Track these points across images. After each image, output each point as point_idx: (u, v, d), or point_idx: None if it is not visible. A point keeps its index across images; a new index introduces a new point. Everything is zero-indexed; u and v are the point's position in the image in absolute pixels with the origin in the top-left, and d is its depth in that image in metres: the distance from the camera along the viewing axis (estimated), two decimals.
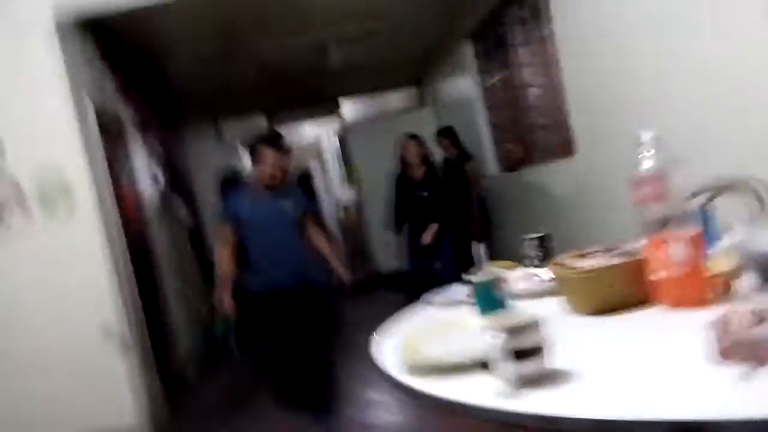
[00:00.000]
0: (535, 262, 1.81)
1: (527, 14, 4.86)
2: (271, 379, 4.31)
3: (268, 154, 3.18)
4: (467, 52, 6.14)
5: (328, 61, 6.58)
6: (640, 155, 1.59)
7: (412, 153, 4.98)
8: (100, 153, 3.67)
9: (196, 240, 6.29)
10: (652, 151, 1.58)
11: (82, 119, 3.50)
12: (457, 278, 1.79)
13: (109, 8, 3.84)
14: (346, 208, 9.50)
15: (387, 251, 7.72)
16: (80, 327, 3.40)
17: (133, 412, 3.45)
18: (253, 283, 3.32)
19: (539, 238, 1.82)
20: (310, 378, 3.70)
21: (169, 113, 6.52)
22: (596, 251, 1.48)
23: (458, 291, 1.80)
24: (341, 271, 3.52)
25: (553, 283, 1.53)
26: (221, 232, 3.34)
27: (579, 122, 4.15)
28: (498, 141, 6.09)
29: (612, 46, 3.53)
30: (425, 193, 4.96)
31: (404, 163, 5.04)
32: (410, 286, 5.16)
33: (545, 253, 1.81)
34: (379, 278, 7.82)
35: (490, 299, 1.43)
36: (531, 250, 1.82)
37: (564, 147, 4.67)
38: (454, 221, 5.05)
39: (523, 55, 5.14)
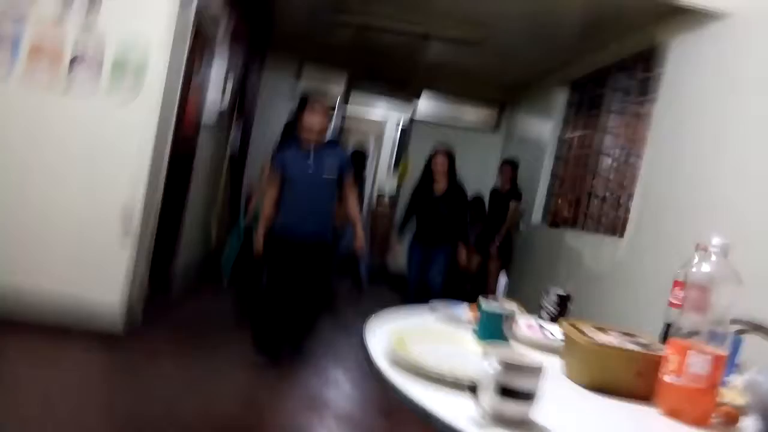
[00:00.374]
0: (549, 316, 1.76)
1: (634, 86, 4.76)
2: (247, 316, 4.35)
3: (312, 105, 3.45)
4: (560, 97, 6.05)
5: (424, 52, 6.56)
6: (698, 258, 1.53)
7: (440, 165, 4.90)
8: (185, 45, 3.70)
9: (236, 168, 6.35)
10: (712, 258, 1.52)
11: (184, 4, 3.52)
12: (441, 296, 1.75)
13: None
14: (381, 196, 9.49)
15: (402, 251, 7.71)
16: (103, 198, 3.45)
17: (115, 291, 3.50)
18: (275, 227, 3.58)
19: (561, 295, 1.77)
20: (287, 331, 3.76)
21: (260, 39, 6.57)
22: (614, 330, 1.43)
23: (461, 310, 1.76)
24: (360, 235, 3.74)
25: (558, 343, 1.48)
26: (271, 176, 3.62)
27: (638, 206, 4.05)
28: (552, 193, 6.00)
29: (697, 148, 3.45)
30: (444, 209, 4.89)
31: (429, 173, 4.99)
32: (406, 293, 5.13)
33: (561, 312, 1.76)
34: (388, 274, 7.80)
35: (493, 331, 1.39)
36: (549, 303, 1.77)
37: (614, 224, 4.58)
38: (465, 244, 4.97)
39: (612, 122, 5.04)
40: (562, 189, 5.84)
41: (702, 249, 1.61)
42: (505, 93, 7.71)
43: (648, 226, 3.87)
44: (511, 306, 1.46)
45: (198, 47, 4.03)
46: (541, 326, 1.66)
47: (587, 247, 4.77)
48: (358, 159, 6.66)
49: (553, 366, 1.37)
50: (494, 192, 6.21)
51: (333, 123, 3.65)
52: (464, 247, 4.90)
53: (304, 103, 3.51)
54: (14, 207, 3.42)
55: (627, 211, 4.27)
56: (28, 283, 3.43)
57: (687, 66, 3.80)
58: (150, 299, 3.95)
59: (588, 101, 5.61)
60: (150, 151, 3.45)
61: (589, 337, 1.30)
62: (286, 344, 3.84)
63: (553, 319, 1.77)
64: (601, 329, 1.42)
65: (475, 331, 1.44)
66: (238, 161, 6.44)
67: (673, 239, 3.50)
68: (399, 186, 7.98)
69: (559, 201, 5.82)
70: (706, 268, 1.46)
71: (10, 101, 3.36)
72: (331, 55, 7.33)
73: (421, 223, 4.99)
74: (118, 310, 3.49)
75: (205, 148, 4.71)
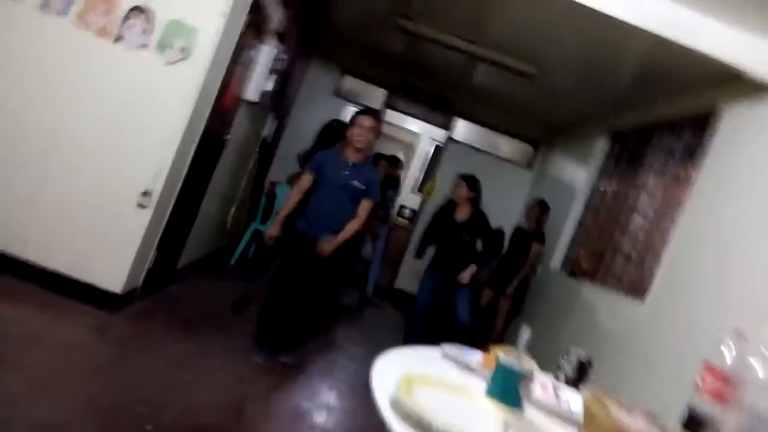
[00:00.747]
0: (566, 378, 1.65)
1: (679, 148, 4.63)
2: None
3: (364, 121, 3.62)
4: (600, 146, 5.93)
5: (472, 73, 6.49)
6: (733, 347, 1.41)
7: (462, 193, 4.83)
8: (241, 20, 3.65)
9: (264, 157, 6.31)
10: (751, 351, 1.40)
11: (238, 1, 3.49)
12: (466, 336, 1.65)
13: None
14: (403, 207, 9.42)
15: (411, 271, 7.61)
16: (130, 158, 3.39)
17: (120, 264, 3.43)
18: (298, 224, 3.74)
19: (582, 361, 1.66)
20: (287, 329, 3.80)
21: (310, 39, 6.55)
22: (638, 411, 1.32)
23: (473, 356, 1.66)
24: (348, 229, 3.68)
25: (576, 415, 1.37)
26: (304, 176, 3.75)
27: (665, 272, 3.91)
28: (576, 242, 5.86)
29: (740, 223, 3.31)
30: (466, 236, 4.80)
31: (451, 200, 4.93)
32: (411, 315, 5.02)
33: (580, 377, 1.65)
34: (394, 290, 7.70)
35: (508, 389, 1.29)
36: (568, 365, 1.66)
37: (636, 285, 4.43)
38: (479, 267, 4.85)
39: (651, 181, 4.90)
40: (587, 240, 5.69)
41: (739, 337, 1.50)
42: (544, 131, 7.61)
43: (672, 295, 3.73)
44: (530, 364, 1.36)
45: (251, 29, 3.99)
46: (555, 389, 1.55)
47: (605, 304, 4.62)
48: (392, 181, 6.61)
49: None
50: (518, 230, 6.09)
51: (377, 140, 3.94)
52: (476, 270, 4.76)
53: (361, 114, 3.70)
54: (41, 146, 3.38)
55: (652, 275, 4.12)
56: (36, 233, 3.39)
57: (740, 136, 3.67)
58: (153, 277, 3.88)
59: (628, 155, 5.48)
60: (188, 115, 3.38)
61: (614, 418, 1.19)
62: (283, 343, 3.78)
63: (570, 383, 1.65)
64: (624, 407, 1.31)
65: (488, 385, 1.34)
66: (268, 149, 6.40)
67: (698, 314, 3.35)
68: (423, 202, 7.88)
69: (582, 251, 5.68)
70: (743, 359, 1.35)
71: (62, 39, 3.32)
72: (378, 61, 7.29)
73: (440, 249, 4.89)
74: (118, 286, 3.43)
75: (241, 124, 4.66)
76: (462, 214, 4.83)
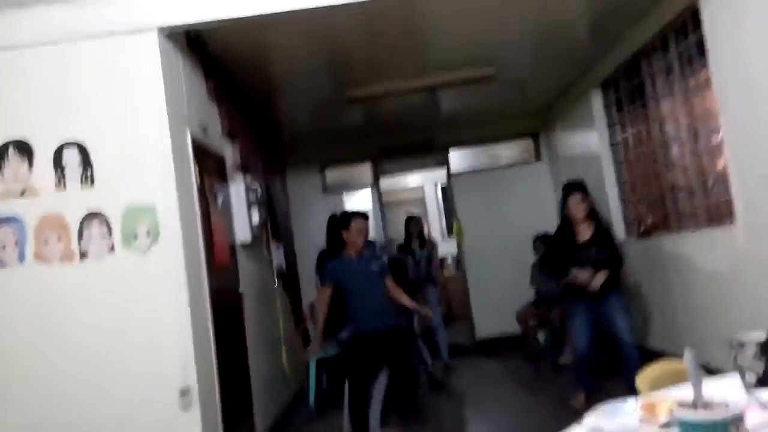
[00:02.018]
0: (757, 377, 1.21)
1: (674, 61, 4.25)
2: None
3: (358, 223, 4.03)
4: (595, 102, 5.56)
5: (438, 106, 6.24)
6: None
7: (577, 207, 4.11)
8: (193, 194, 3.41)
9: (290, 286, 5.99)
10: None
11: (180, 157, 3.27)
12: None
13: (219, 36, 3.70)
14: (443, 260, 8.94)
15: (485, 313, 7.12)
16: (149, 366, 3.05)
17: None
18: (354, 332, 4.00)
19: (763, 344, 1.21)
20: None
21: (274, 157, 6.38)
22: None
23: (626, 410, 1.23)
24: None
25: None
26: (321, 289, 4.13)
27: (741, 184, 3.44)
28: (627, 202, 5.38)
29: None
30: (600, 255, 4.04)
31: (567, 220, 4.19)
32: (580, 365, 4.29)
33: None
34: (477, 343, 7.16)
35: None
36: (748, 361, 1.21)
37: (716, 213, 3.94)
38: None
39: (665, 106, 4.49)
40: (636, 193, 5.22)
41: None
42: (534, 120, 7.26)
43: (761, 202, 3.25)
44: (728, 401, 0.93)
45: (208, 175, 3.76)
46: (758, 401, 1.11)
47: (695, 247, 4.12)
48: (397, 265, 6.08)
49: None
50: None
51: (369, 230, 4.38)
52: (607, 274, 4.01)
53: (347, 221, 4.08)
54: (59, 403, 3.05)
55: (727, 191, 3.65)
56: None
57: (728, 11, 3.30)
58: None
59: (627, 96, 5.10)
60: (185, 293, 3.05)
61: None
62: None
63: (763, 381, 1.21)
64: None
65: None
66: (289, 277, 6.08)
67: None
68: (459, 245, 7.45)
69: (638, 208, 5.20)
70: None
71: (31, 284, 3.10)
72: (347, 141, 7.10)
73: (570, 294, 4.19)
74: None
75: (247, 269, 4.34)
76: (584, 232, 4.13)
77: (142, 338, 3.07)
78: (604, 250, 4.05)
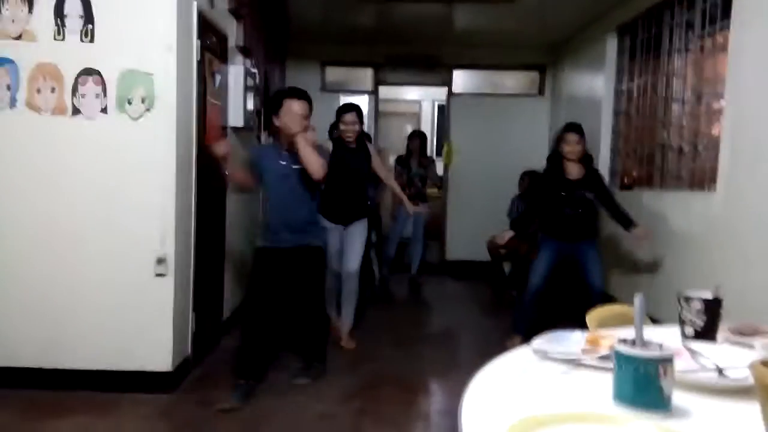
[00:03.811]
0: (694, 331, 1.32)
1: (696, 18, 4.16)
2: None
3: (293, 105, 3.18)
4: (609, 46, 5.46)
5: (451, 21, 6.07)
6: None
7: (574, 147, 4.12)
8: (192, 68, 3.36)
9: None
10: None
11: (183, 28, 3.20)
12: None
13: None
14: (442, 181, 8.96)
15: (459, 236, 7.29)
16: (131, 225, 3.13)
17: (163, 340, 3.21)
18: (263, 238, 3.38)
19: (708, 301, 1.32)
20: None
21: (277, 46, 6.22)
22: None
23: (572, 340, 1.34)
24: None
25: (732, 381, 1.05)
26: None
27: (728, 153, 3.49)
28: (617, 152, 5.43)
29: None
30: (589, 194, 4.13)
31: (558, 158, 4.21)
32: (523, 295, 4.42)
33: (710, 323, 1.32)
34: (446, 264, 7.39)
35: (641, 386, 0.97)
36: (692, 314, 1.32)
37: (700, 177, 4.02)
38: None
39: (677, 63, 4.45)
40: (629, 146, 5.26)
41: None
42: (545, 53, 7.13)
43: (744, 174, 3.32)
44: (662, 342, 1.03)
45: (209, 53, 3.70)
46: (690, 350, 1.22)
47: (673, 207, 4.22)
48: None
49: (739, 414, 0.94)
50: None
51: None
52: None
53: (287, 98, 3.23)
54: (39, 254, 3.16)
55: (714, 158, 3.71)
56: (62, 339, 3.19)
57: None
58: (201, 340, 3.65)
59: (643, 45, 5.01)
60: (173, 165, 3.11)
61: None
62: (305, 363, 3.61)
63: (700, 335, 1.32)
64: None
65: (613, 389, 1.01)
66: None
67: None
68: (446, 166, 7.49)
69: (627, 160, 5.26)
70: None
71: (21, 130, 3.10)
72: (354, 42, 6.93)
73: (556, 216, 4.19)
74: (166, 364, 3.19)
75: (236, 152, 4.37)
76: (575, 171, 4.17)
77: (128, 203, 3.14)
78: (592, 191, 4.14)
